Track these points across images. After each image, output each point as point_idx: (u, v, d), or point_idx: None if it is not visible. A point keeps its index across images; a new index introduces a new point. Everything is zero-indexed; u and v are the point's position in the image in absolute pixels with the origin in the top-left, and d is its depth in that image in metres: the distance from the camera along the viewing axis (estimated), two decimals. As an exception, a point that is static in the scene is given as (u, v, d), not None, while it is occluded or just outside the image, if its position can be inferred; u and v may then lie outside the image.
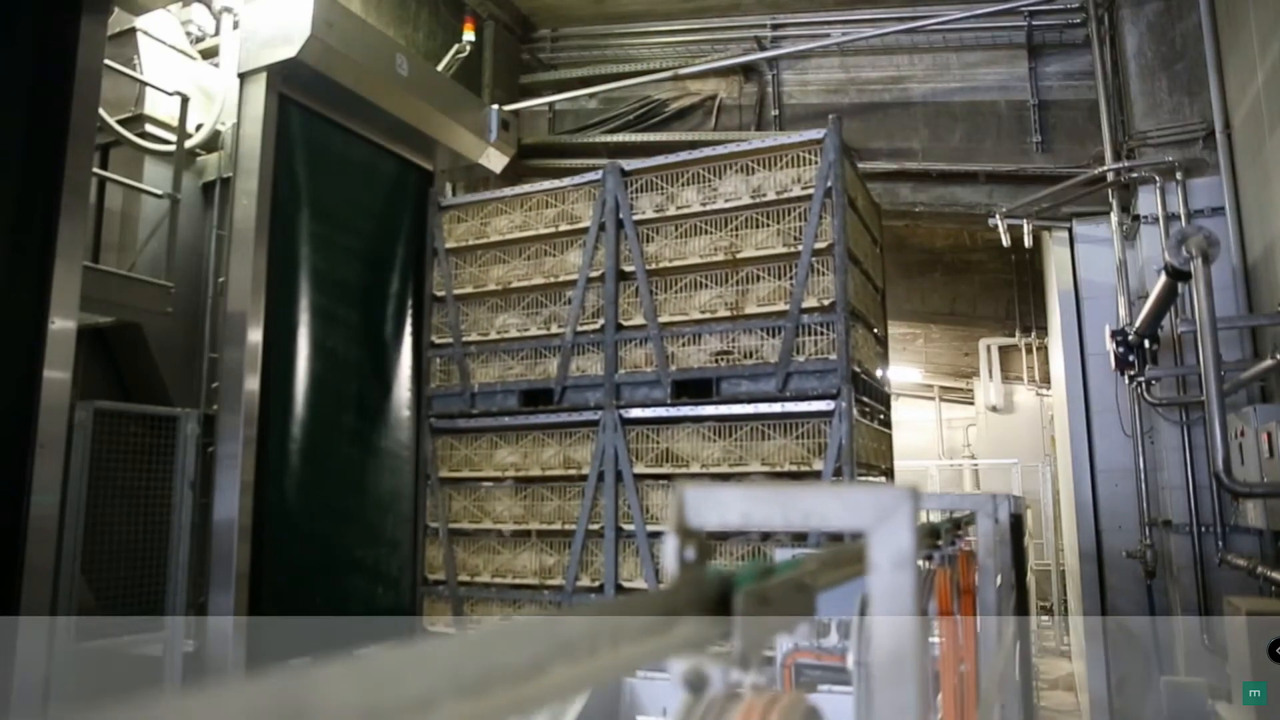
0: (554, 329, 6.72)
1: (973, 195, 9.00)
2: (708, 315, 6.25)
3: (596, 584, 6.33)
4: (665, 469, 6.23)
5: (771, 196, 6.14)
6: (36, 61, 4.77)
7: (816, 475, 5.82)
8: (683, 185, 6.42)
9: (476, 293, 7.04)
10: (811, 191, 5.99)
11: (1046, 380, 14.55)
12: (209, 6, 6.87)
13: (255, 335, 6.37)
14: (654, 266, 6.42)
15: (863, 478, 6.26)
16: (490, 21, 10.09)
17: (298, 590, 6.44)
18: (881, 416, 6.99)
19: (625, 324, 6.49)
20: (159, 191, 6.36)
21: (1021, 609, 6.84)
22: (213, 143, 6.79)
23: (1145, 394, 7.77)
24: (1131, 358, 7.60)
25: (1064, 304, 8.75)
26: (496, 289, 6.95)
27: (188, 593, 5.77)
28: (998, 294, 14.20)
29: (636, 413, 6.37)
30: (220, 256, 6.56)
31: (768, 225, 6.15)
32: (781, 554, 5.43)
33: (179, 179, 6.47)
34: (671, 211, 6.41)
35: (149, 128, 6.51)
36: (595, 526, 6.38)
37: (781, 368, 5.97)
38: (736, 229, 6.24)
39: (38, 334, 4.64)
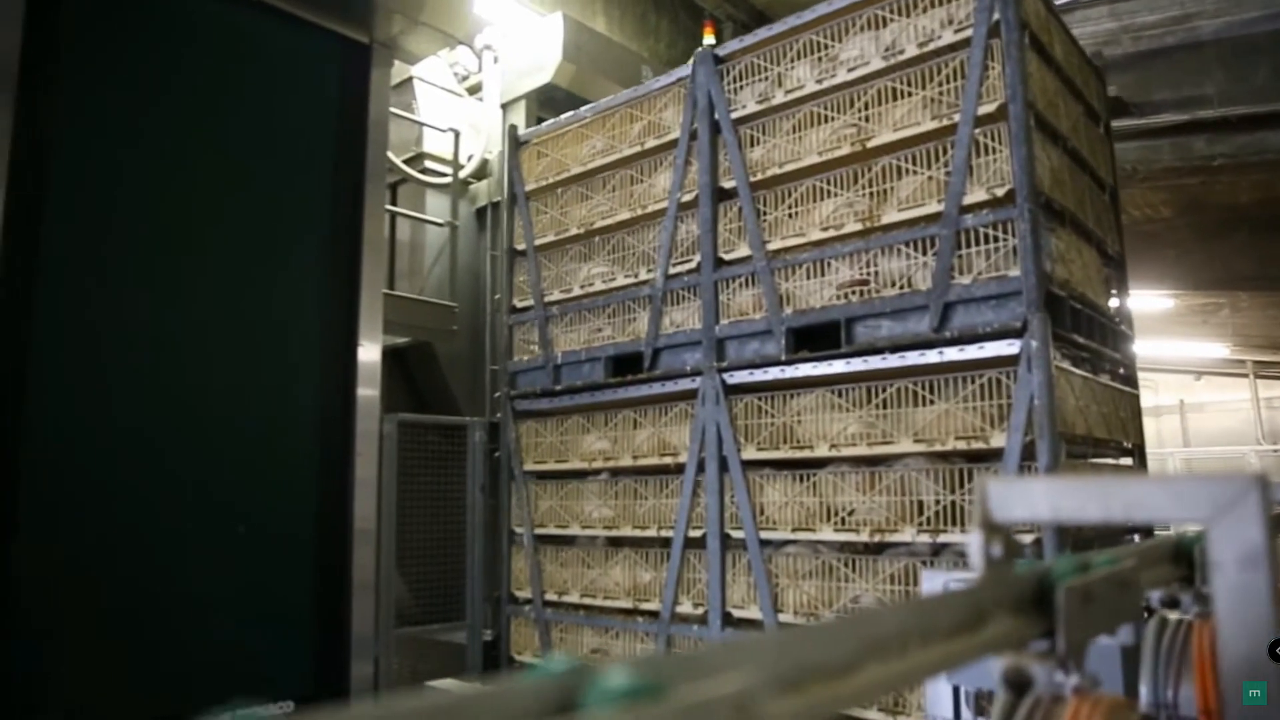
0: (643, 275, 4.88)
1: (1288, 138, 7.14)
2: (831, 233, 4.16)
3: (699, 610, 4.40)
4: (782, 452, 4.19)
5: (912, 53, 3.95)
6: (337, 118, 5.09)
7: (997, 456, 3.57)
8: (792, 62, 4.38)
9: (558, 240, 5.35)
10: (969, 34, 3.76)
11: (1407, 345, 11.24)
12: (472, 47, 7.22)
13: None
14: (760, 177, 4.42)
15: (1078, 459, 3.88)
16: (729, 23, 9.80)
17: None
18: (1120, 371, 4.51)
19: (726, 258, 4.53)
20: (440, 220, 6.74)
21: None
22: (482, 170, 7.09)
23: None
24: None
25: None
26: (579, 232, 5.22)
27: (484, 586, 5.95)
28: (1325, 248, 11.23)
29: (743, 376, 4.38)
30: (495, 276, 6.75)
31: (909, 94, 3.97)
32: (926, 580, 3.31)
33: (456, 207, 6.82)
34: (779, 99, 4.38)
35: (428, 163, 6.86)
36: (697, 532, 4.46)
37: (937, 295, 3.77)
38: (866, 107, 4.10)
39: (350, 356, 4.92)
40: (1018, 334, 3.56)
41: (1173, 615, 1.33)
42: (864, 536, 3.90)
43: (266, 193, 4.77)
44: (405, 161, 6.72)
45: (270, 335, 4.71)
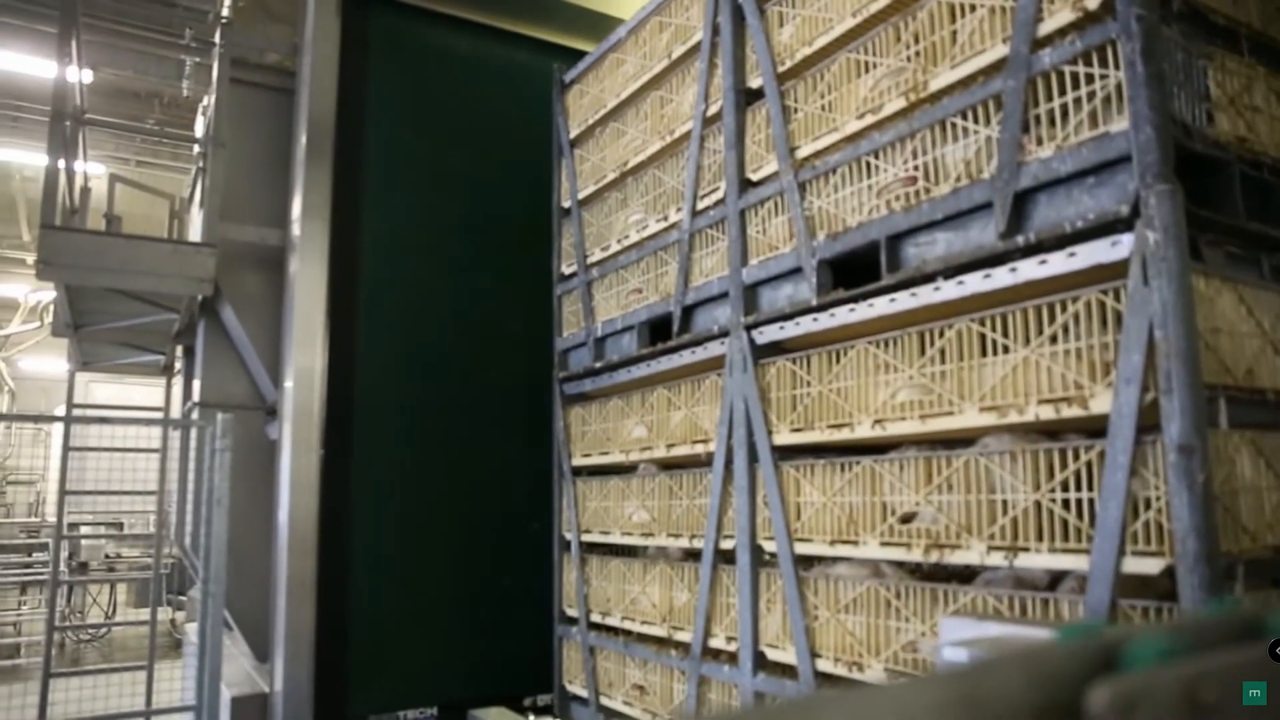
0: (673, 216, 3.73)
1: None
2: (869, 119, 2.81)
3: (733, 646, 3.18)
4: (818, 432, 2.90)
5: None
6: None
7: (1099, 427, 2.10)
8: (821, -104, 3.07)
9: (597, 190, 4.32)
10: None
11: None
12: None
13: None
14: (789, 64, 3.15)
15: (1262, 428, 2.25)
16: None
17: None
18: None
19: (754, 178, 3.30)
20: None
21: None
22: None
23: None
24: None
25: None
26: (614, 176, 4.16)
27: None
28: None
29: (774, 332, 3.13)
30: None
31: (961, -108, 2.57)
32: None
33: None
34: (806, -48, 3.10)
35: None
36: (729, 544, 3.26)
37: (1004, 181, 2.34)
38: (908, -69, 2.74)
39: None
40: (1124, 225, 2.08)
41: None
42: (916, 554, 2.53)
43: (518, 201, 5.18)
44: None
45: (522, 347, 5.09)
